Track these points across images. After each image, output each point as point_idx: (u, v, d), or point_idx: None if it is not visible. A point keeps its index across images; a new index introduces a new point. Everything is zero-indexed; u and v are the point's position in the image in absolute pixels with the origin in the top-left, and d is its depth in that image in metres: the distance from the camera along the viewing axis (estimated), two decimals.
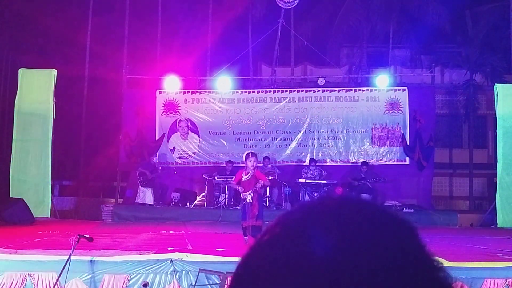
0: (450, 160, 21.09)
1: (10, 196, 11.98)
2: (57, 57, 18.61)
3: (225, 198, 12.93)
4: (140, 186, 13.41)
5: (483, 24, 19.57)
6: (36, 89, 12.77)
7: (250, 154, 7.72)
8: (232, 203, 12.69)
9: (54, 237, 8.09)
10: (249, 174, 7.58)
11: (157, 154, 14.26)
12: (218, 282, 5.31)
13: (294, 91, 15.55)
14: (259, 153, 14.54)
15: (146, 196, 13.31)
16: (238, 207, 9.39)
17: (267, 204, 13.11)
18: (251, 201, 7.48)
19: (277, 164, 14.46)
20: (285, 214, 0.69)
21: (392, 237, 0.63)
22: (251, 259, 0.66)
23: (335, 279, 0.59)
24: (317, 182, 13.52)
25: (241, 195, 7.74)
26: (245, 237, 7.35)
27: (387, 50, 19.49)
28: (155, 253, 5.91)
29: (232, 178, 12.53)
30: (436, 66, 18.94)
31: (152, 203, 13.30)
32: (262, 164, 13.97)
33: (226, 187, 12.90)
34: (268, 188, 13.38)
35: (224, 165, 14.09)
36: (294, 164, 14.93)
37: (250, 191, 7.52)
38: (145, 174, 13.34)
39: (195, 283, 5.33)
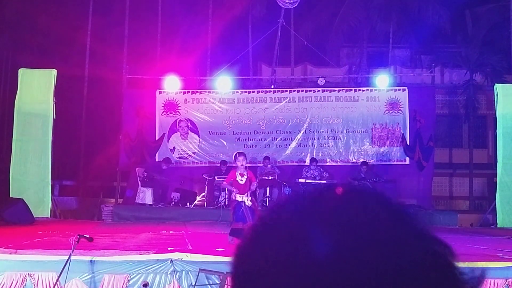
0: (450, 160, 21.08)
1: (10, 196, 11.96)
2: (57, 57, 18.60)
3: (225, 198, 12.92)
4: (140, 186, 13.41)
5: (483, 24, 19.58)
6: (36, 89, 12.76)
7: (237, 154, 7.66)
8: None
9: (54, 237, 8.08)
10: (244, 176, 7.52)
11: (169, 161, 14.19)
12: (218, 282, 5.31)
13: (294, 91, 15.55)
14: (259, 153, 14.58)
15: (146, 196, 13.31)
16: None
17: (267, 204, 13.12)
18: (250, 204, 7.39)
19: (277, 164, 14.46)
20: (275, 210, 0.64)
21: (402, 235, 0.58)
22: (246, 259, 0.62)
23: (338, 282, 0.55)
24: (317, 182, 13.52)
25: (233, 196, 7.62)
26: (231, 237, 7.25)
27: (387, 50, 19.49)
28: (155, 253, 5.90)
29: None
30: (436, 66, 18.94)
31: (152, 203, 13.30)
32: (262, 164, 13.98)
33: (226, 187, 12.88)
34: (268, 188, 13.39)
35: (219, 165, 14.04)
36: (294, 164, 14.92)
37: (247, 194, 7.46)
38: (153, 177, 13.31)
39: (195, 283, 5.33)
